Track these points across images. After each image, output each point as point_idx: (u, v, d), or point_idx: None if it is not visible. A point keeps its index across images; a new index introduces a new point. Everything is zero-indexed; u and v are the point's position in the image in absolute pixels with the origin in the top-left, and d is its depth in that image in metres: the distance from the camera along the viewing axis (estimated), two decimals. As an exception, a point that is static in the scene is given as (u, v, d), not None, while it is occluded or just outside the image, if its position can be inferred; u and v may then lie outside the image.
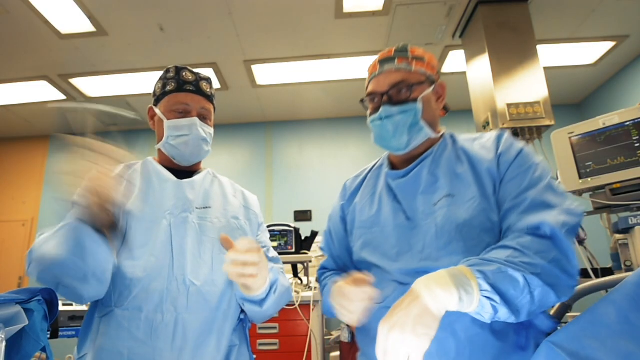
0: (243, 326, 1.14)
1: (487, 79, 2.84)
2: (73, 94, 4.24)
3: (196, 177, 1.17)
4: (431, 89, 1.01)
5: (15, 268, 4.80)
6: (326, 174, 4.85)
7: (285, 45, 3.61)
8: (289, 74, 4.07)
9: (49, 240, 0.88)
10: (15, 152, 5.29)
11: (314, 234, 2.83)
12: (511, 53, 2.82)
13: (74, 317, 2.61)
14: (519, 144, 0.96)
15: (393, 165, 1.09)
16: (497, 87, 2.75)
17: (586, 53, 3.94)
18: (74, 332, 2.58)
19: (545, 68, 2.82)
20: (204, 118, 1.16)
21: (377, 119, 1.00)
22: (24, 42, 3.40)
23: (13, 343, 0.77)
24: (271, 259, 1.16)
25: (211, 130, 1.19)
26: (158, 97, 1.18)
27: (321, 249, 1.21)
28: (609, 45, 3.82)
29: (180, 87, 1.14)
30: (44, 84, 4.03)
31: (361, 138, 4.84)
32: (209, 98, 1.18)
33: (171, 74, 1.17)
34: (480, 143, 0.99)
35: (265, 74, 4.05)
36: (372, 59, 1.07)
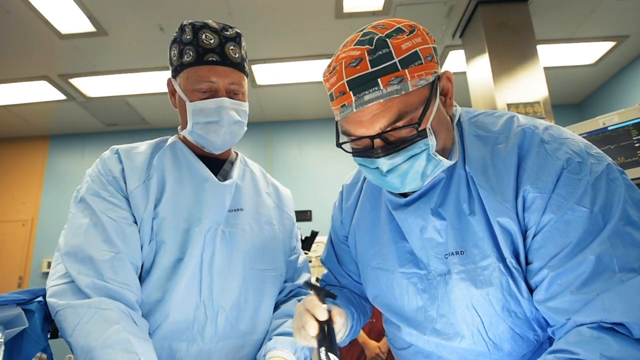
0: None
1: (487, 79, 2.84)
2: (73, 94, 4.24)
3: (234, 175, 0.98)
4: (437, 97, 0.65)
5: (15, 268, 4.80)
6: (326, 174, 4.85)
7: (285, 45, 3.61)
8: (289, 74, 4.07)
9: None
10: (15, 152, 5.29)
11: (314, 234, 2.83)
12: (511, 53, 2.82)
13: (74, 317, 2.60)
14: (560, 148, 0.62)
15: None
16: (497, 87, 2.75)
17: (586, 53, 3.94)
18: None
19: (545, 68, 2.82)
20: (234, 94, 0.92)
21: (373, 171, 0.68)
22: (24, 42, 3.40)
23: (14, 344, 0.77)
24: (299, 269, 1.06)
25: (245, 106, 0.95)
26: (175, 68, 0.93)
27: (322, 261, 1.03)
28: (609, 45, 3.82)
29: (201, 57, 0.89)
30: (44, 84, 4.03)
31: (361, 138, 4.83)
32: (239, 66, 0.93)
33: (188, 36, 0.90)
34: (499, 153, 0.67)
35: (265, 74, 4.05)
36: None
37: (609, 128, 1.79)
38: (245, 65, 0.97)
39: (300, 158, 5.08)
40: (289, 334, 0.91)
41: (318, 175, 4.89)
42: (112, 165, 0.89)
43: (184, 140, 0.98)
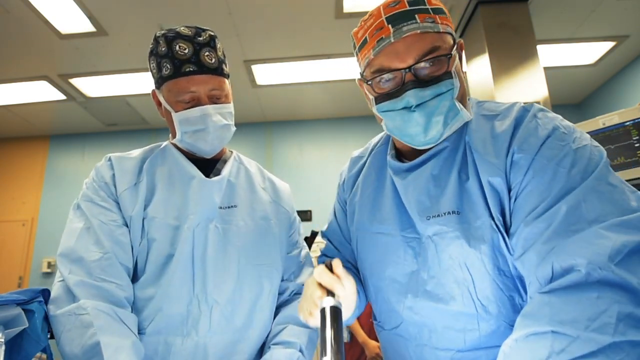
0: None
1: (487, 79, 2.84)
2: (73, 94, 4.24)
3: (224, 172, 0.99)
4: (456, 49, 0.74)
5: (15, 268, 4.80)
6: (326, 174, 4.85)
7: (285, 45, 3.61)
8: (289, 74, 4.07)
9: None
10: (15, 152, 5.29)
11: (314, 234, 2.83)
12: (511, 53, 2.82)
13: (74, 317, 2.60)
14: (550, 122, 0.67)
15: (398, 151, 0.85)
16: (497, 87, 2.75)
17: (586, 53, 3.94)
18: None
19: (545, 68, 2.82)
20: (217, 98, 0.94)
21: (401, 109, 0.71)
22: (24, 42, 3.40)
23: (13, 344, 0.77)
24: (301, 264, 1.06)
25: (229, 107, 0.97)
26: (157, 81, 0.96)
27: (322, 233, 1.04)
28: (609, 45, 3.82)
29: (178, 70, 0.90)
30: (44, 84, 4.03)
31: (361, 138, 4.82)
32: (217, 71, 0.93)
33: (162, 48, 0.91)
34: (497, 127, 0.72)
35: (265, 74, 4.05)
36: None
37: (609, 128, 1.79)
38: (224, 67, 0.97)
39: (300, 158, 5.08)
40: (287, 344, 0.92)
41: (318, 175, 4.89)
42: (104, 172, 0.94)
43: (177, 145, 1.01)
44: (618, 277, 0.48)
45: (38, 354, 0.82)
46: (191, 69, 0.90)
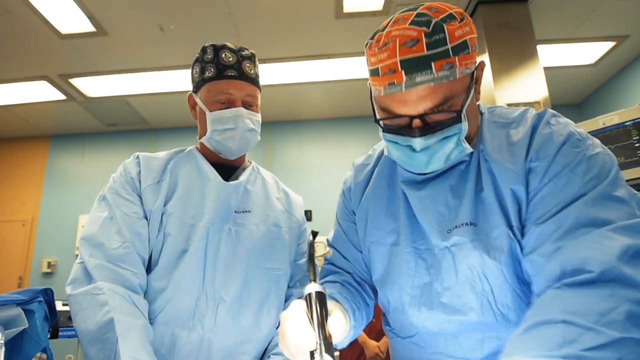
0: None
1: (487, 79, 2.84)
2: (73, 94, 4.24)
3: (242, 178, 1.06)
4: (473, 84, 0.69)
5: (15, 268, 4.80)
6: (326, 174, 4.85)
7: (285, 45, 3.61)
8: (289, 74, 4.07)
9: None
10: (15, 152, 5.29)
11: (314, 234, 2.82)
12: (511, 53, 2.82)
13: (74, 317, 2.60)
14: (564, 128, 0.69)
15: None
16: (497, 87, 2.75)
17: (586, 53, 3.94)
18: (73, 332, 2.58)
19: (545, 68, 2.83)
20: (249, 105, 1.03)
21: (403, 147, 0.71)
22: (24, 42, 3.40)
23: (14, 344, 0.77)
24: (307, 273, 1.06)
25: (258, 116, 1.06)
26: (197, 84, 1.05)
27: (329, 243, 1.00)
28: (609, 45, 3.82)
29: (221, 73, 1.01)
30: (44, 84, 4.03)
31: (361, 138, 4.83)
32: (254, 81, 1.05)
33: (209, 56, 1.03)
34: (512, 135, 0.72)
35: (265, 74, 4.04)
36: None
37: (609, 128, 1.79)
38: (259, 81, 1.08)
39: (300, 158, 5.07)
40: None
41: (318, 175, 4.88)
42: (131, 167, 1.01)
43: (201, 150, 1.09)
44: (628, 276, 0.51)
45: (38, 354, 0.82)
46: (232, 74, 1.01)
